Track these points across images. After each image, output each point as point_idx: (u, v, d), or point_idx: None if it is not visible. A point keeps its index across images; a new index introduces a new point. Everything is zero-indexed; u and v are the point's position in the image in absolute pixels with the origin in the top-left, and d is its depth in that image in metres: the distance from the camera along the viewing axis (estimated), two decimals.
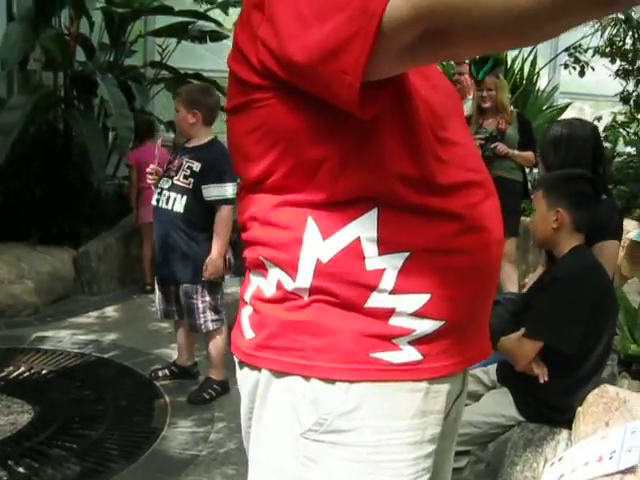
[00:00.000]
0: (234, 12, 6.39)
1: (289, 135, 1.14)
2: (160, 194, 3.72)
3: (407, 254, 1.15)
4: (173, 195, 3.66)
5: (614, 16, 5.63)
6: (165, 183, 3.71)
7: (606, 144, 7.19)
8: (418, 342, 1.17)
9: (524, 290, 3.16)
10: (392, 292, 1.15)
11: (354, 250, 1.15)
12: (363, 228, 1.14)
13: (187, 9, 6.06)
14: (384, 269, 1.15)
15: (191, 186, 3.64)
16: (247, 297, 1.28)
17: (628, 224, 5.87)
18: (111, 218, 6.29)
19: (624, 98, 6.90)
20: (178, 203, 3.65)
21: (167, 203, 3.68)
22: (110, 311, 5.45)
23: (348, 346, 1.15)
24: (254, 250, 1.25)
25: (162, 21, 6.81)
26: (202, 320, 3.77)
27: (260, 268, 1.24)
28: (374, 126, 1.10)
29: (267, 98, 1.15)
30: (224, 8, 6.35)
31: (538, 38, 0.99)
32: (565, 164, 2.72)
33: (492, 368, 2.70)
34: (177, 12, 6.23)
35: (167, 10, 6.24)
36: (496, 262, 1.28)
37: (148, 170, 3.79)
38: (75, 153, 5.88)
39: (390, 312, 1.16)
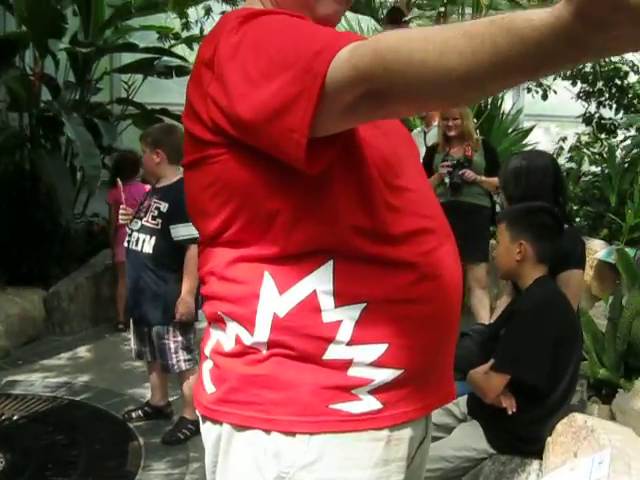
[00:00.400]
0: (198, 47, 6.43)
1: (243, 190, 1.17)
2: (130, 235, 3.73)
3: (363, 305, 1.17)
4: (142, 236, 3.66)
5: None
6: (135, 224, 3.71)
7: (571, 164, 7.31)
8: (378, 391, 1.19)
9: (493, 318, 3.19)
10: (349, 343, 1.17)
11: (310, 303, 1.16)
12: (319, 281, 1.16)
13: (152, 46, 6.08)
14: (341, 321, 1.17)
15: (159, 227, 3.64)
16: (207, 351, 1.29)
17: (595, 244, 5.94)
18: (81, 257, 6.25)
19: (586, 119, 7.03)
20: (147, 244, 3.64)
21: (137, 244, 3.67)
22: (82, 351, 5.39)
23: (307, 399, 1.16)
24: (212, 305, 1.27)
25: (127, 57, 6.84)
26: (174, 360, 3.75)
27: (219, 322, 1.25)
28: (326, 180, 1.13)
29: (220, 154, 1.17)
30: (188, 43, 6.39)
31: (483, 95, 1.02)
32: (526, 195, 2.76)
33: (462, 400, 2.71)
34: (142, 49, 6.25)
35: (132, 47, 6.26)
36: (455, 310, 1.30)
37: (120, 211, 3.81)
38: (43, 193, 5.84)
39: (348, 363, 1.17)
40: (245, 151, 1.13)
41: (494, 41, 0.80)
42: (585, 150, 7.29)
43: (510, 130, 7.70)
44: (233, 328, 1.22)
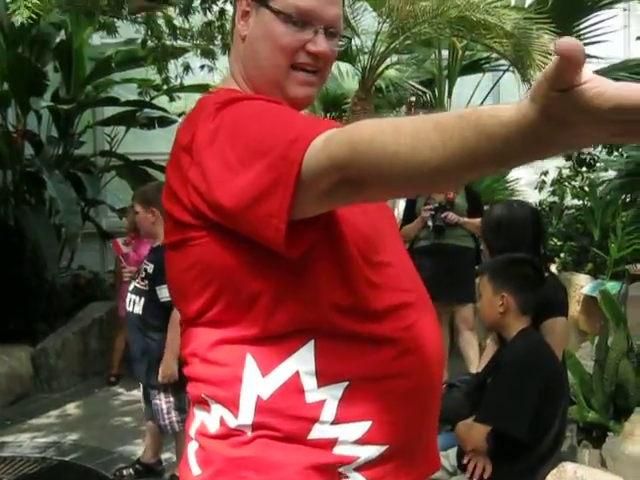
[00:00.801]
0: (181, 96, 6.49)
1: (224, 272, 1.18)
2: (127, 297, 3.75)
3: (346, 384, 1.18)
4: (134, 297, 3.69)
5: None
6: (131, 285, 3.74)
7: (554, 198, 7.37)
8: (364, 468, 1.19)
9: (480, 365, 3.19)
10: (334, 422, 1.18)
11: (293, 385, 1.17)
12: (301, 362, 1.17)
13: (133, 99, 6.14)
14: (324, 400, 1.17)
15: (147, 288, 3.65)
16: (192, 433, 1.29)
17: (580, 279, 5.98)
18: (68, 310, 6.22)
19: (566, 154, 7.10)
20: (137, 305, 3.66)
21: (129, 305, 3.70)
22: (71, 408, 5.34)
23: (294, 479, 1.16)
24: (196, 387, 1.27)
25: (110, 109, 6.88)
26: (167, 421, 3.71)
27: (203, 404, 1.26)
28: (306, 260, 1.14)
29: (201, 237, 1.19)
30: (169, 94, 6.44)
31: (455, 184, 1.06)
32: (506, 246, 2.78)
33: (452, 452, 2.70)
34: (123, 102, 6.31)
35: (114, 101, 6.32)
36: (437, 380, 1.31)
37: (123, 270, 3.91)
38: (28, 249, 5.84)
39: (333, 442, 1.18)
40: (226, 234, 1.15)
41: (463, 136, 0.82)
42: (567, 184, 7.36)
43: None
44: (217, 410, 1.22)
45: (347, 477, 1.18)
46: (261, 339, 1.18)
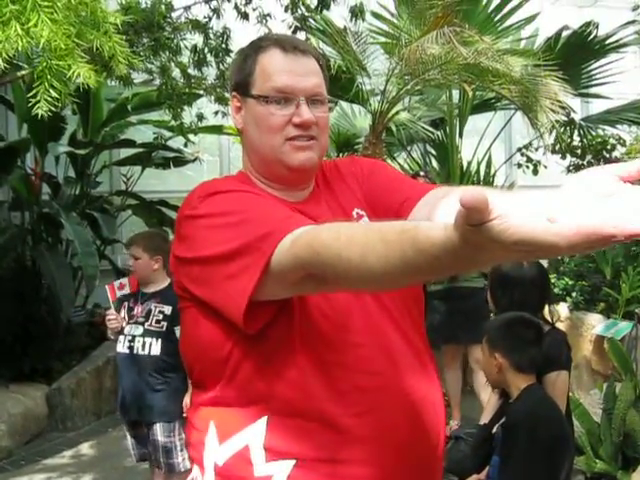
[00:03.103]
0: (196, 138, 6.59)
1: (199, 338, 1.32)
2: (132, 341, 3.77)
3: (294, 462, 1.23)
4: (148, 340, 3.74)
5: (557, 119, 5.88)
6: (136, 330, 3.77)
7: None
8: None
9: (485, 415, 3.20)
10: None
11: (244, 456, 1.25)
12: (253, 436, 1.25)
13: (148, 142, 6.25)
14: (271, 476, 1.23)
15: (164, 329, 3.72)
16: None
17: (593, 318, 5.96)
18: (83, 349, 6.29)
19: None
20: (155, 346, 3.72)
21: (144, 349, 3.74)
22: (85, 448, 5.39)
23: None
24: (187, 446, 1.45)
25: (126, 150, 7.00)
26: (180, 459, 3.74)
27: (192, 462, 1.39)
28: (266, 337, 1.23)
29: (187, 307, 1.34)
30: (184, 136, 6.55)
31: (403, 285, 1.17)
32: (512, 305, 2.82)
33: None
34: (139, 145, 6.43)
35: (130, 144, 6.44)
36: (406, 467, 1.29)
37: (109, 317, 3.85)
38: (44, 289, 5.93)
39: None
40: (203, 306, 1.28)
41: (403, 249, 0.93)
42: None
43: None
44: (195, 469, 1.36)
45: None
46: (223, 407, 1.29)
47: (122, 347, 3.83)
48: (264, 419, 1.24)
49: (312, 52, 1.42)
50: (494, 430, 2.70)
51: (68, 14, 1.43)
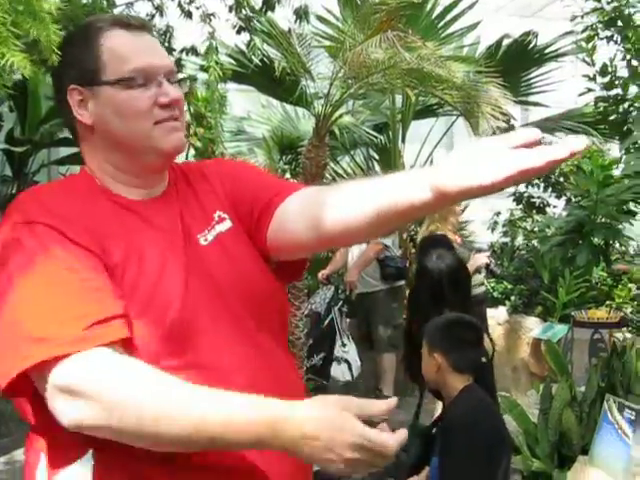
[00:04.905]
0: None
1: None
2: None
3: None
4: None
5: (498, 125, 5.96)
6: None
7: (506, 239, 7.53)
8: None
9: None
10: None
11: None
12: (76, 473, 1.16)
13: None
14: None
15: None
16: None
17: (530, 322, 6.10)
18: None
19: (517, 199, 7.29)
20: None
21: None
22: (19, 455, 5.21)
23: None
24: None
25: (65, 149, 6.84)
26: None
27: None
28: None
29: None
30: None
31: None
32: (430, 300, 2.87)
33: None
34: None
35: (69, 142, 6.28)
36: None
37: None
38: None
39: None
40: None
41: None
42: (519, 223, 7.52)
43: None
44: None
45: None
46: (52, 442, 1.19)
47: None
48: (90, 454, 1.15)
49: (149, 27, 1.35)
50: (434, 431, 2.73)
51: (3, 2, 1.35)
